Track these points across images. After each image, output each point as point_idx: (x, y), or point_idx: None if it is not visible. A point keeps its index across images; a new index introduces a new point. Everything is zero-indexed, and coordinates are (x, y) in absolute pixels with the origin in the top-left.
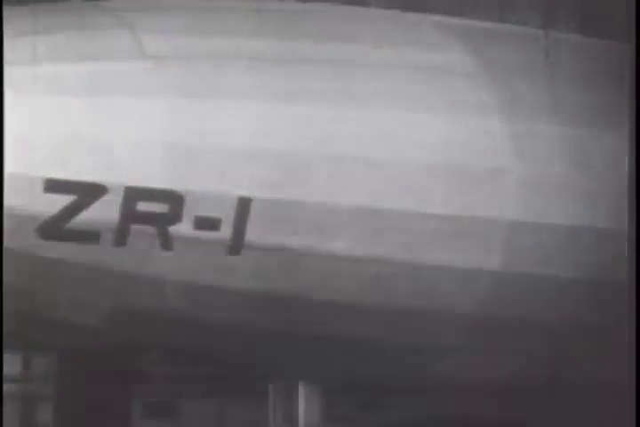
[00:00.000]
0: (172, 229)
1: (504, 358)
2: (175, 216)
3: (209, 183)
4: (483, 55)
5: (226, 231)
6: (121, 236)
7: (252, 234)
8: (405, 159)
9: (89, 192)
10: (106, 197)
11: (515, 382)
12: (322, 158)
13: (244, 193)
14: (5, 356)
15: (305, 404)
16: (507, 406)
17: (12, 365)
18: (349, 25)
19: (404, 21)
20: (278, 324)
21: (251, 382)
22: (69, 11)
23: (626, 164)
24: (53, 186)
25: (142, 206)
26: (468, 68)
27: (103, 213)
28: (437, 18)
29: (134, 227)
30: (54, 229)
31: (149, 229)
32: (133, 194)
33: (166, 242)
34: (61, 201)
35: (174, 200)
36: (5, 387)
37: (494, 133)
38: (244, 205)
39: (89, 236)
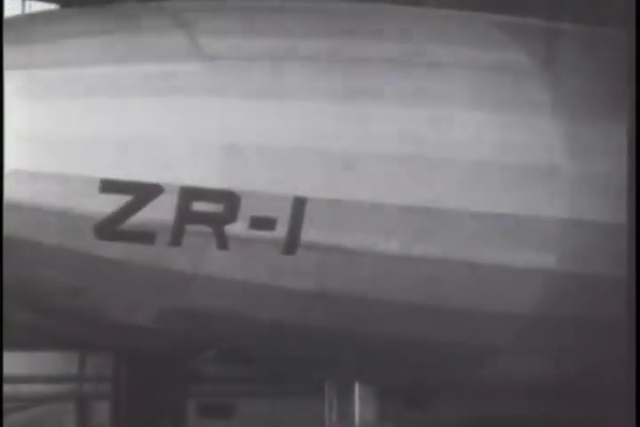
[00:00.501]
0: (228, 228)
1: (559, 357)
2: (231, 216)
3: (264, 183)
4: (539, 54)
5: (281, 231)
6: (176, 236)
7: (308, 234)
8: (460, 158)
9: (145, 192)
10: (161, 197)
11: (570, 382)
12: (377, 158)
13: (300, 193)
14: (61, 355)
15: (360, 404)
16: (562, 406)
17: (69, 364)
18: (405, 24)
19: (460, 20)
20: (333, 323)
21: (306, 382)
22: (125, 12)
23: None
24: (109, 186)
25: (198, 206)
26: (525, 66)
27: (159, 213)
28: (494, 16)
29: (190, 227)
30: (110, 229)
31: (205, 229)
32: (189, 194)
33: (222, 242)
34: (117, 201)
35: (230, 200)
36: (62, 387)
37: (548, 132)
38: (299, 204)
39: (144, 236)
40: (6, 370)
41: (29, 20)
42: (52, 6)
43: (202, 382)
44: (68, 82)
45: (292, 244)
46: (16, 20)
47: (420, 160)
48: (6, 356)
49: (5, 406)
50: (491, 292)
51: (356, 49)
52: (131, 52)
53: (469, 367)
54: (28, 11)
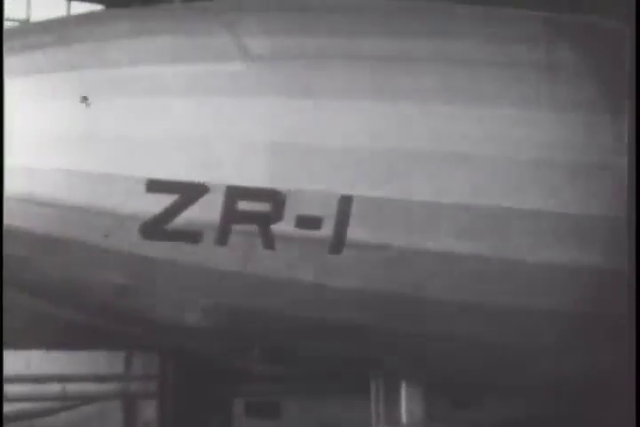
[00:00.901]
0: (274, 227)
1: (604, 356)
2: (277, 215)
3: (310, 182)
4: (589, 52)
5: (327, 230)
6: (222, 235)
7: (354, 232)
8: (509, 156)
9: (190, 192)
10: (207, 197)
11: (611, 381)
12: (424, 156)
13: (346, 191)
14: (108, 354)
15: (407, 403)
16: (607, 405)
17: (115, 363)
18: (453, 22)
19: (510, 18)
20: (379, 323)
21: (352, 380)
22: (170, 12)
23: None
24: (155, 186)
25: (244, 205)
26: (575, 65)
27: (205, 212)
28: (545, 14)
29: (236, 226)
30: (156, 228)
31: (251, 228)
32: (235, 193)
33: (268, 241)
34: (163, 201)
35: (276, 199)
36: (109, 386)
37: (600, 130)
38: (345, 203)
39: (191, 235)
40: (53, 369)
41: (74, 21)
42: (97, 7)
43: (249, 381)
44: (113, 83)
45: (338, 243)
46: (61, 20)
47: (468, 159)
48: (53, 355)
49: (53, 405)
50: (536, 290)
51: (403, 47)
52: (176, 53)
53: (514, 367)
54: (72, 12)
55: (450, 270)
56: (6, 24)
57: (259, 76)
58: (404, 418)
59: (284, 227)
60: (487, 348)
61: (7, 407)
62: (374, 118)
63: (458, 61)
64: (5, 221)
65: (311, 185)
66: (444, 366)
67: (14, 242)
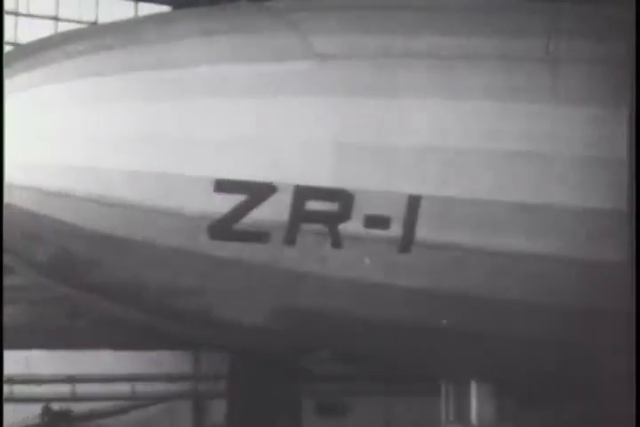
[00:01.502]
0: (342, 227)
1: None
2: (345, 214)
3: (378, 182)
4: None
5: (396, 229)
6: (291, 235)
7: (422, 232)
8: (570, 154)
9: (258, 192)
10: (275, 197)
11: None
12: (490, 154)
13: (414, 191)
14: (177, 354)
15: (477, 403)
16: None
17: (184, 363)
18: (518, 18)
19: (571, 13)
20: (448, 322)
21: (421, 381)
22: (236, 12)
23: None
24: (223, 186)
25: (312, 205)
26: (621, 59)
27: (273, 212)
28: (608, 10)
29: (304, 226)
30: (224, 228)
31: (319, 228)
32: (303, 193)
33: (336, 240)
34: (231, 201)
35: (344, 199)
36: (177, 385)
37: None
38: (413, 202)
39: (259, 235)
40: (123, 369)
41: (142, 23)
42: (164, 8)
43: (317, 381)
44: (179, 83)
45: (406, 242)
46: (128, 22)
47: (531, 155)
48: (122, 355)
49: (123, 404)
50: (605, 290)
51: (468, 45)
52: (242, 52)
53: (585, 366)
54: (140, 13)
55: (517, 270)
56: (71, 26)
57: (325, 75)
58: (473, 418)
59: (353, 226)
60: (558, 347)
61: (78, 407)
62: (440, 117)
63: (523, 59)
64: (74, 222)
65: (379, 185)
66: (514, 366)
67: (82, 243)
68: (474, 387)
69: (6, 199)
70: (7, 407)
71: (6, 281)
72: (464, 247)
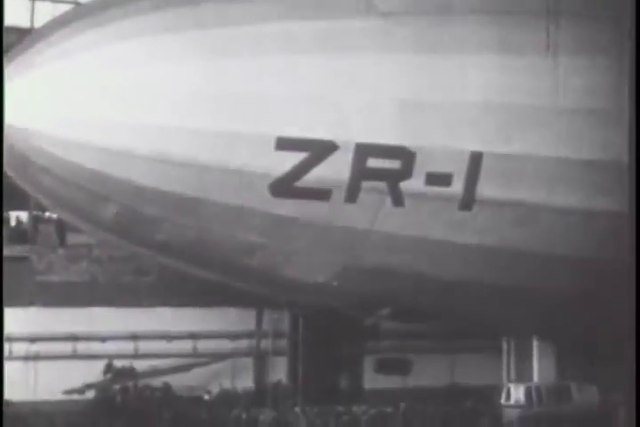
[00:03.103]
0: (403, 185)
1: None
2: (406, 172)
3: (440, 139)
4: None
5: (457, 186)
6: (352, 192)
7: (484, 189)
8: (628, 111)
9: (320, 149)
10: (337, 154)
11: None
12: (551, 111)
13: (476, 148)
14: (239, 312)
15: (539, 360)
16: None
17: (246, 321)
18: None
19: None
20: (511, 279)
21: (483, 338)
22: None
23: None
24: (285, 144)
25: (373, 163)
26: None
27: (334, 169)
28: None
29: (365, 183)
30: (286, 186)
31: (380, 186)
32: (364, 150)
33: (397, 198)
34: (293, 158)
35: (405, 156)
36: (239, 343)
37: None
38: (475, 159)
39: (320, 193)
40: (185, 327)
41: None
42: None
43: (378, 339)
44: (243, 41)
45: (468, 199)
46: None
47: (595, 113)
48: (185, 313)
49: (186, 362)
50: None
51: (526, 1)
52: (305, 10)
53: None
54: None
55: (583, 227)
56: None
57: (387, 32)
58: (535, 375)
59: (414, 184)
60: (619, 305)
61: (140, 364)
62: (503, 73)
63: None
64: (138, 180)
65: (441, 142)
66: (576, 324)
67: (147, 202)
68: (535, 345)
69: (70, 158)
70: (70, 364)
71: (72, 239)
72: (527, 204)
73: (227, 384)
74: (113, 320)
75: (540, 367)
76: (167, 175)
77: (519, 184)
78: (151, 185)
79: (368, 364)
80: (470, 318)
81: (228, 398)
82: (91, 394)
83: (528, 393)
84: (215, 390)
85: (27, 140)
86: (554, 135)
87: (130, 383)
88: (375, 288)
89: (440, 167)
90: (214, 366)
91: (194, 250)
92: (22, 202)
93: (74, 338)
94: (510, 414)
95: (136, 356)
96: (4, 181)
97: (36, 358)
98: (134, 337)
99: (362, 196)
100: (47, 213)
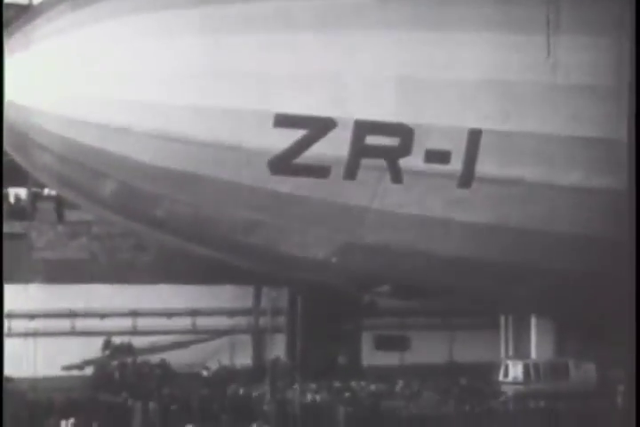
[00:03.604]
0: (402, 162)
1: None
2: (405, 149)
3: (439, 116)
4: None
5: (456, 164)
6: (351, 170)
7: (483, 166)
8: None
9: (318, 126)
10: (335, 131)
11: None
12: (552, 88)
13: (475, 125)
14: (237, 289)
15: (537, 338)
16: None
17: (244, 298)
18: None
19: None
20: (510, 257)
21: (481, 315)
22: None
23: None
24: (283, 120)
25: (372, 140)
26: None
27: (333, 146)
28: None
29: (364, 161)
30: (284, 163)
31: (379, 163)
32: (363, 127)
33: (396, 175)
34: (291, 136)
35: (404, 133)
36: (238, 320)
37: None
38: (474, 137)
39: (319, 170)
40: (183, 303)
41: None
42: None
43: (377, 316)
44: (241, 18)
45: (467, 177)
46: None
47: (596, 90)
48: (183, 290)
49: (185, 338)
50: None
51: None
52: None
53: None
54: None
55: (581, 204)
56: None
57: (386, 9)
58: (533, 352)
59: (413, 161)
60: (617, 282)
61: (139, 341)
62: (503, 50)
63: None
64: (137, 157)
65: (439, 119)
66: (575, 301)
67: (146, 178)
68: (534, 322)
69: (69, 135)
70: (69, 341)
71: (71, 217)
72: (526, 182)
73: (225, 361)
74: (112, 297)
75: (539, 344)
76: (166, 152)
77: (518, 161)
78: (150, 162)
79: (366, 340)
80: (469, 295)
81: (226, 375)
82: (89, 370)
83: (526, 370)
84: (214, 366)
85: (26, 117)
86: (553, 113)
87: (128, 360)
88: (374, 265)
89: (439, 144)
90: (213, 343)
91: (192, 227)
92: (21, 179)
93: (73, 315)
94: (508, 391)
95: (134, 332)
96: (4, 158)
97: (36, 334)
98: (133, 314)
99: (361, 173)
100: (46, 190)
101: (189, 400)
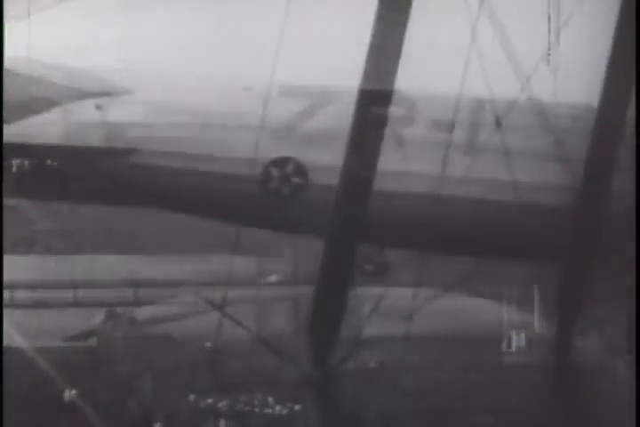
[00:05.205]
0: (406, 131)
1: None
2: (409, 119)
3: (442, 86)
4: None
5: (460, 134)
6: (355, 140)
7: (487, 137)
8: None
9: (321, 96)
10: (339, 101)
11: None
12: (552, 59)
13: (478, 95)
14: (241, 259)
15: (540, 308)
16: None
17: (247, 268)
18: None
19: None
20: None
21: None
22: None
23: None
24: (287, 91)
25: (376, 110)
26: None
27: (336, 117)
28: None
29: (368, 130)
30: (288, 133)
31: (383, 133)
32: (366, 97)
33: (400, 144)
34: (294, 106)
35: (408, 103)
36: (241, 290)
37: None
38: (478, 106)
39: (322, 141)
40: (186, 274)
41: None
42: None
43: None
44: None
45: (471, 147)
46: None
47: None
48: (185, 260)
49: (186, 309)
50: None
51: None
52: None
53: None
54: None
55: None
56: None
57: None
58: (536, 324)
59: (417, 131)
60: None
61: (141, 312)
62: (502, 19)
63: None
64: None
65: (443, 89)
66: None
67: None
68: (537, 293)
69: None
70: (71, 311)
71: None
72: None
73: (229, 331)
74: (114, 267)
75: (541, 315)
76: (165, 122)
77: (523, 132)
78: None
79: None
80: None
81: (229, 345)
82: (92, 341)
83: (529, 341)
84: (218, 337)
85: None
86: (557, 82)
87: (131, 330)
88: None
89: (443, 114)
90: (214, 315)
91: (189, 199)
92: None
93: (74, 285)
94: (511, 362)
95: (137, 303)
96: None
97: (37, 305)
98: (135, 284)
99: (364, 143)
100: (48, 161)
101: (192, 370)
